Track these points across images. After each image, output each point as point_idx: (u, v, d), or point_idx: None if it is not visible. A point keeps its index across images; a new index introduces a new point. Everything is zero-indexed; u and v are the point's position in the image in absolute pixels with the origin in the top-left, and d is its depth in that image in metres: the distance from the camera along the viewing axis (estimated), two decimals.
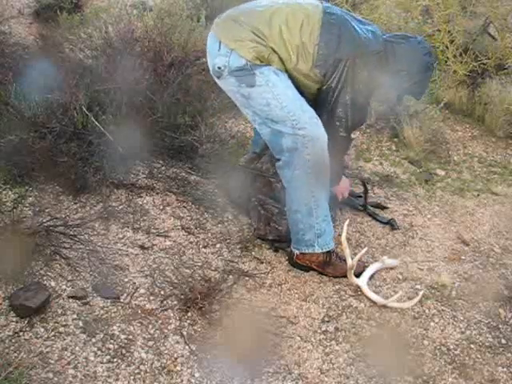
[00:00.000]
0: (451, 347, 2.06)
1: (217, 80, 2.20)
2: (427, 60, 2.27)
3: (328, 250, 2.25)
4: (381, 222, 2.70)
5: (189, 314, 2.00)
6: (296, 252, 2.27)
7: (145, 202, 2.48)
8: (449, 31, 3.74)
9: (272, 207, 2.42)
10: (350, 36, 2.14)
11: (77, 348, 1.78)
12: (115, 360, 1.77)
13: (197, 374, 1.80)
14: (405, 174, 3.15)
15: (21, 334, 1.77)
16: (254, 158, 2.58)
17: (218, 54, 2.12)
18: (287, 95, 2.10)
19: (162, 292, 2.06)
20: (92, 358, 1.76)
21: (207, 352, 1.88)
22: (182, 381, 1.77)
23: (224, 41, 2.11)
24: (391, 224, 2.68)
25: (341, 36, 2.12)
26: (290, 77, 2.15)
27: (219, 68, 2.12)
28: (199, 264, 2.24)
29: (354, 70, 2.13)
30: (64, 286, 1.97)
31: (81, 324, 1.86)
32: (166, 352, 1.85)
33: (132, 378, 1.74)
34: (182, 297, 2.04)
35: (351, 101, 2.16)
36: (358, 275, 2.26)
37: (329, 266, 2.28)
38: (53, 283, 1.97)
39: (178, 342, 1.89)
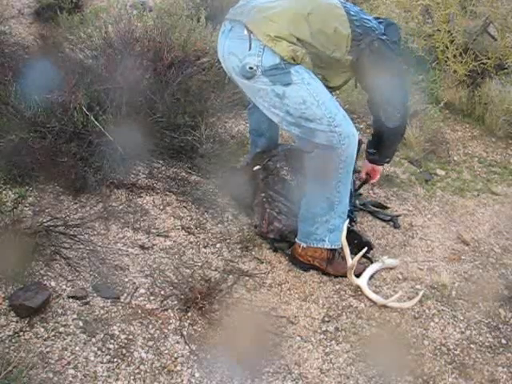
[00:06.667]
0: (451, 347, 2.06)
1: (245, 81, 2.13)
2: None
3: (336, 247, 2.26)
4: (383, 219, 2.70)
5: (189, 313, 2.00)
6: (302, 245, 2.27)
7: (145, 202, 2.48)
8: (449, 31, 3.74)
9: (281, 205, 2.40)
10: (368, 22, 2.20)
11: (77, 348, 1.78)
12: (115, 360, 1.77)
13: (197, 374, 1.80)
14: (405, 173, 3.15)
15: (21, 334, 1.77)
16: (261, 157, 2.57)
17: (248, 53, 2.07)
18: (322, 93, 2.12)
19: (162, 292, 2.06)
20: (92, 358, 1.76)
21: (207, 352, 1.88)
22: (182, 381, 1.77)
23: (260, 37, 2.04)
24: (393, 221, 2.69)
25: (363, 25, 2.17)
26: (324, 66, 2.18)
27: (251, 68, 2.07)
28: (199, 264, 2.24)
29: (382, 49, 2.19)
30: (64, 286, 1.97)
31: (81, 324, 1.86)
32: (166, 352, 1.85)
33: (132, 377, 1.74)
34: (182, 297, 2.04)
35: (393, 80, 2.23)
36: (358, 275, 2.26)
37: (331, 264, 2.28)
38: (53, 283, 1.97)
39: (178, 342, 1.89)
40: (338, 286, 2.28)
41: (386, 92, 2.24)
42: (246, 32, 2.08)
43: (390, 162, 2.62)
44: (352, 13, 2.18)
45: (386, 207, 2.80)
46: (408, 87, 2.60)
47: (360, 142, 2.27)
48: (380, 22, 2.28)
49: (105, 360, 1.77)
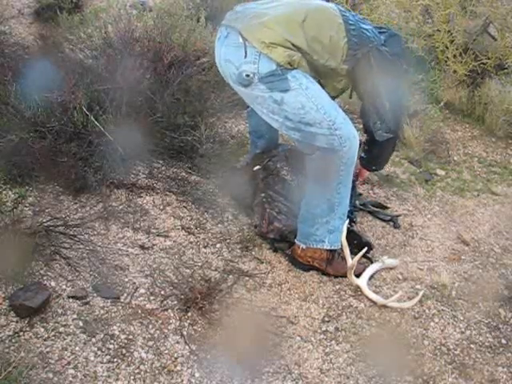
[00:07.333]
0: (451, 347, 2.06)
1: (242, 88, 2.13)
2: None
3: (336, 247, 2.26)
4: (383, 219, 2.70)
5: (189, 313, 2.00)
6: (302, 246, 2.27)
7: (145, 201, 2.48)
8: (449, 31, 3.74)
9: (281, 205, 2.40)
10: (366, 33, 2.19)
11: (77, 348, 1.78)
12: (115, 360, 1.78)
13: (197, 374, 1.80)
14: (405, 173, 3.15)
15: (21, 334, 1.77)
16: (261, 157, 2.57)
17: (244, 61, 2.06)
18: (321, 97, 2.11)
19: (162, 292, 2.06)
20: (92, 358, 1.76)
21: (207, 352, 1.88)
22: (182, 381, 1.77)
23: (255, 44, 2.03)
24: (393, 221, 2.69)
25: (361, 35, 2.16)
26: (318, 74, 2.17)
27: (248, 76, 2.06)
28: (199, 264, 2.24)
29: (379, 60, 2.18)
30: (64, 286, 1.97)
31: (81, 324, 1.86)
32: (166, 352, 1.85)
33: (132, 377, 1.74)
34: (182, 297, 2.04)
35: (388, 93, 2.21)
36: (358, 275, 2.26)
37: (331, 264, 2.28)
38: (53, 283, 1.97)
39: (178, 342, 1.89)
40: (338, 286, 2.28)
41: (380, 104, 2.22)
42: (241, 40, 2.07)
43: (378, 170, 2.64)
44: (350, 22, 2.16)
45: (386, 207, 2.80)
46: (405, 102, 2.56)
47: (360, 143, 2.27)
48: (382, 33, 2.25)
49: (105, 360, 1.77)
